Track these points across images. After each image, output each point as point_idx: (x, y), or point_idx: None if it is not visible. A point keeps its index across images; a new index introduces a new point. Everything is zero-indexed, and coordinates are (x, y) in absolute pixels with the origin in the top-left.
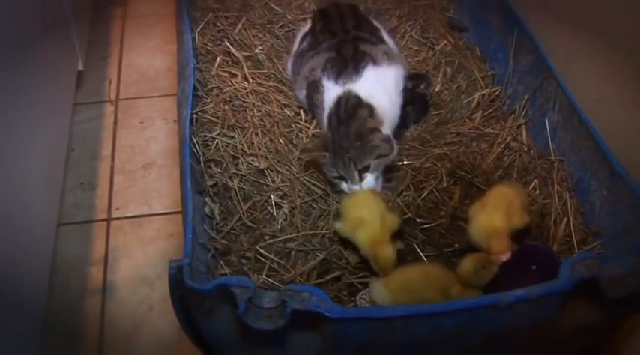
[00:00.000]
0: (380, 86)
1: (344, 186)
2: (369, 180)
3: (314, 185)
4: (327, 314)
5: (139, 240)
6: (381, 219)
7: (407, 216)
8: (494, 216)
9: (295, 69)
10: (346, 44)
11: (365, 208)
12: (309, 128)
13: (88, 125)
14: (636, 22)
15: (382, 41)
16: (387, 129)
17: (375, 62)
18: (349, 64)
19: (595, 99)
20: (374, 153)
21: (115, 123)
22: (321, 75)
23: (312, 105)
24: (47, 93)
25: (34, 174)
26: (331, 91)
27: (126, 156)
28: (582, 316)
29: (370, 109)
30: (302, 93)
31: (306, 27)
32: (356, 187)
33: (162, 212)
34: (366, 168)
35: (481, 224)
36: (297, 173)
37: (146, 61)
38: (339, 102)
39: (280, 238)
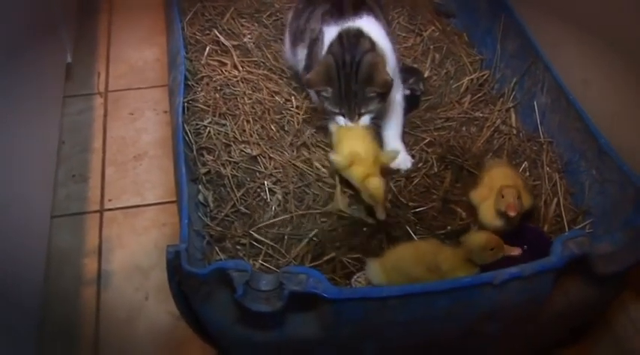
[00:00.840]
0: (380, 31)
1: (340, 120)
2: (365, 119)
3: (307, 170)
4: (324, 294)
5: (133, 230)
6: (373, 155)
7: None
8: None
9: (295, 37)
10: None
11: (360, 144)
12: (299, 114)
13: (78, 117)
14: (622, 4)
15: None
16: None
17: (375, 16)
18: (348, 11)
19: (581, 79)
20: (377, 99)
21: (105, 115)
22: (321, 26)
23: (313, 61)
24: (36, 87)
25: (26, 167)
26: (331, 32)
27: (117, 148)
28: (574, 293)
29: (372, 41)
30: (303, 58)
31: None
32: (351, 125)
33: (154, 202)
34: (364, 113)
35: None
36: (290, 159)
37: (134, 53)
38: (340, 35)
39: (274, 220)
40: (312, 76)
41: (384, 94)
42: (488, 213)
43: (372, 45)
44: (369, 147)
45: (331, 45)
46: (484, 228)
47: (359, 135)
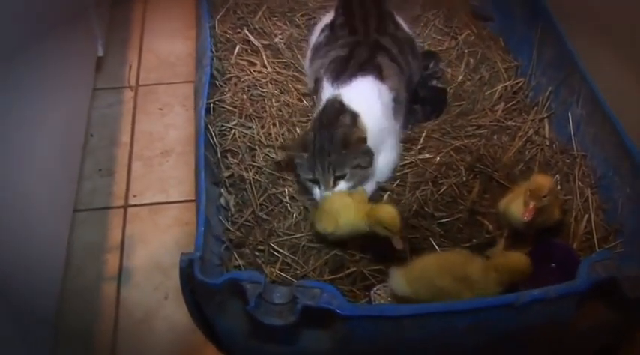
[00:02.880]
0: (373, 96)
1: (315, 190)
2: (342, 186)
3: None
4: (338, 311)
5: (156, 227)
6: (355, 200)
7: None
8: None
9: (311, 61)
10: (363, 47)
11: (337, 201)
12: None
13: (107, 111)
14: None
15: (402, 45)
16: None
17: (380, 75)
18: (349, 68)
19: (619, 91)
20: (353, 162)
21: (134, 109)
22: (323, 74)
23: (315, 102)
24: (66, 79)
25: (52, 159)
26: (327, 92)
27: (144, 143)
28: (599, 316)
29: (354, 117)
30: (311, 86)
31: (327, 18)
32: (327, 194)
33: (179, 200)
34: (342, 177)
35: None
36: None
37: (167, 47)
38: (326, 105)
39: (294, 236)
40: (289, 143)
41: (363, 157)
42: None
43: (353, 120)
44: (346, 199)
45: (315, 120)
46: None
47: (333, 198)
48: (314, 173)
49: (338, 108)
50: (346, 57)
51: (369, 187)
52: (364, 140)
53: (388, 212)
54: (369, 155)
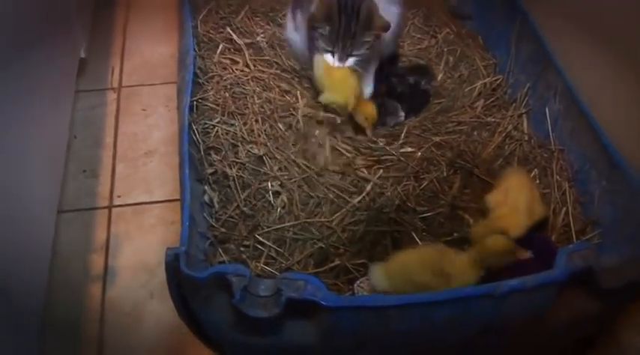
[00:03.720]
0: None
1: (329, 57)
2: (351, 61)
3: (313, 172)
4: (322, 302)
5: (140, 227)
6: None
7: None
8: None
9: (294, 13)
10: None
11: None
12: (309, 115)
13: (90, 112)
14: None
15: None
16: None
17: None
18: None
19: (596, 87)
20: (369, 45)
21: (118, 110)
22: None
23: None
24: (48, 81)
25: (36, 161)
26: None
27: (128, 144)
28: (578, 306)
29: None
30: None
31: None
32: (339, 64)
33: (163, 199)
34: (355, 55)
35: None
36: (295, 160)
37: (149, 49)
38: None
39: (279, 226)
40: (316, 12)
41: (376, 40)
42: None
43: (376, 7)
44: (354, 81)
45: None
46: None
47: (344, 74)
48: (333, 46)
49: None
50: None
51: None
52: (387, 29)
53: (371, 106)
54: (388, 29)
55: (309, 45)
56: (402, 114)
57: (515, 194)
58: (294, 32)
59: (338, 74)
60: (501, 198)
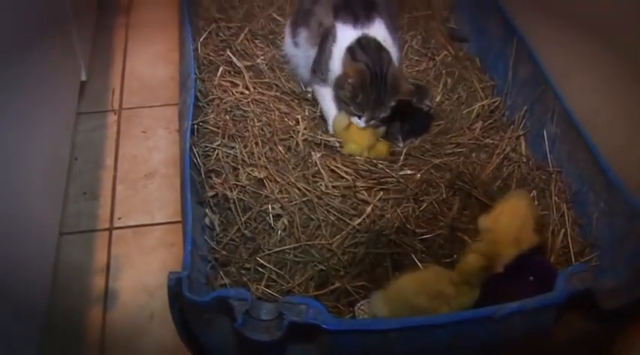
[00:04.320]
0: (388, 38)
1: (355, 120)
2: (373, 122)
3: (313, 195)
4: (324, 326)
5: (141, 249)
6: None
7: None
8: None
9: (296, 16)
10: None
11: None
12: (309, 139)
13: (91, 134)
14: (634, 33)
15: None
16: None
17: (384, 21)
18: (360, 12)
19: (593, 110)
20: (391, 108)
21: (118, 132)
22: (334, 22)
23: (323, 57)
24: (50, 103)
25: (37, 183)
26: (347, 33)
27: (128, 166)
28: (577, 328)
29: (388, 53)
30: (307, 50)
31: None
32: (363, 124)
33: (163, 221)
34: (378, 118)
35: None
36: (296, 182)
37: (149, 70)
38: (361, 43)
39: (279, 249)
40: (350, 80)
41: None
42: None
43: (390, 57)
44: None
45: (353, 51)
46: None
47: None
48: (363, 112)
49: (376, 45)
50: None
51: None
52: (412, 95)
53: (386, 148)
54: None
55: (335, 100)
56: (401, 140)
57: (506, 222)
58: (292, 48)
59: (357, 129)
60: (491, 224)
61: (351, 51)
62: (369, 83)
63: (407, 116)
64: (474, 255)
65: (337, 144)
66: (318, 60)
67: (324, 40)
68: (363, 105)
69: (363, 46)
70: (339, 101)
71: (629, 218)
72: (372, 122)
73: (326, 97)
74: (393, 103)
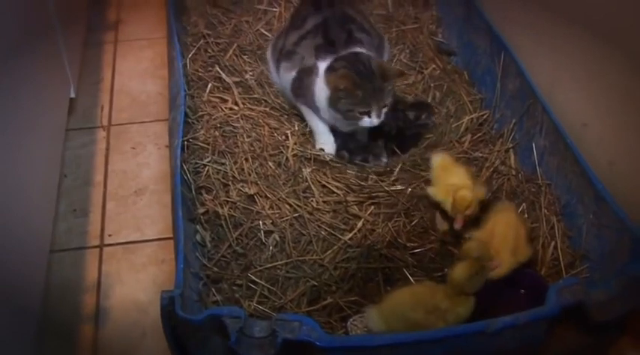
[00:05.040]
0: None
1: (365, 120)
2: (383, 114)
3: (304, 211)
4: (317, 343)
5: (132, 266)
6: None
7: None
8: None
9: (275, 51)
10: (334, 24)
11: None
12: (299, 155)
13: (80, 151)
14: (620, 48)
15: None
16: None
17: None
18: (341, 45)
19: (581, 123)
20: (392, 94)
21: (107, 149)
22: (315, 61)
23: (300, 87)
24: (39, 120)
25: (26, 200)
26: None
27: (118, 182)
28: (569, 340)
29: (369, 56)
30: (288, 75)
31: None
32: (376, 121)
33: (154, 238)
34: (386, 105)
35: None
36: (286, 198)
37: (138, 86)
38: (337, 58)
39: (271, 265)
40: (345, 84)
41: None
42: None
43: (368, 55)
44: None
45: (331, 67)
46: None
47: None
48: (371, 106)
49: (354, 53)
50: (326, 41)
51: None
52: (401, 75)
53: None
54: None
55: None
56: (385, 158)
57: (502, 232)
58: (276, 77)
59: (447, 175)
60: (487, 237)
61: (328, 69)
62: (359, 78)
63: (391, 135)
64: (461, 263)
65: (327, 158)
66: (300, 86)
67: (305, 75)
68: (366, 98)
69: (340, 58)
70: (345, 115)
71: (618, 231)
72: (383, 113)
73: (313, 115)
74: (390, 87)
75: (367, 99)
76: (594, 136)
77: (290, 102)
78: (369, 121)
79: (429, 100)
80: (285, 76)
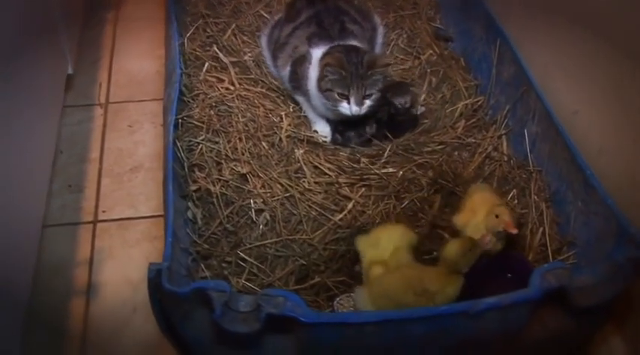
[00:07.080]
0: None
1: (344, 104)
2: (368, 104)
3: (295, 190)
4: (301, 318)
5: (124, 242)
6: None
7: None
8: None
9: (271, 42)
10: (328, 15)
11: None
12: (293, 136)
13: (77, 128)
14: (614, 35)
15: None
16: None
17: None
18: (335, 35)
19: (572, 110)
20: (378, 85)
21: (104, 126)
22: (308, 48)
23: (296, 79)
24: (35, 96)
25: (21, 175)
26: (319, 51)
27: (114, 159)
28: (553, 324)
29: (365, 50)
30: (285, 70)
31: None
32: (355, 109)
33: (147, 215)
34: (370, 96)
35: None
36: (278, 178)
37: (136, 65)
38: (333, 46)
39: (260, 243)
40: (332, 62)
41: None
42: (476, 235)
43: (365, 50)
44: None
45: (328, 51)
46: None
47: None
48: (349, 90)
49: (349, 45)
50: (320, 30)
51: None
52: (388, 65)
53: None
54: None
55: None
56: (370, 128)
57: (482, 211)
58: (274, 69)
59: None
60: (468, 218)
61: (326, 53)
62: (346, 62)
63: (383, 119)
64: (454, 241)
65: (320, 140)
66: (295, 78)
67: (298, 64)
68: (347, 80)
69: (335, 46)
70: (324, 94)
71: (605, 218)
72: (364, 105)
73: (309, 106)
74: (375, 78)
75: (347, 81)
76: (585, 124)
77: (287, 89)
78: (348, 108)
79: (425, 86)
80: (282, 70)
